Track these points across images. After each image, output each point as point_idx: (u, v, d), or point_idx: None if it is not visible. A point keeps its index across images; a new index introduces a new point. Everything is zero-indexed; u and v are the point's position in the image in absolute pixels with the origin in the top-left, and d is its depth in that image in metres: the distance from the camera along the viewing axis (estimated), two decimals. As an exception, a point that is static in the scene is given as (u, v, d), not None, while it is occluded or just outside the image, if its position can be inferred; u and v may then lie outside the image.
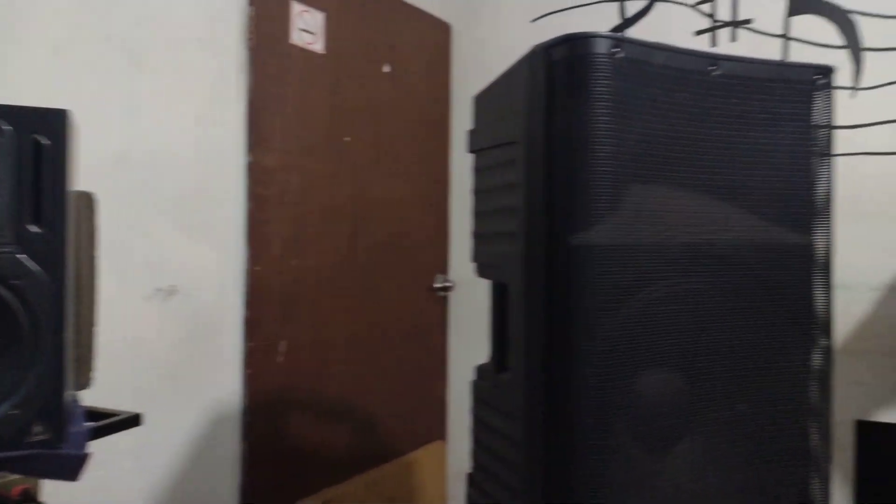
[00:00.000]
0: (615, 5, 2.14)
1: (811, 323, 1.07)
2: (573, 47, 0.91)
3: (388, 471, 2.24)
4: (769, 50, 1.95)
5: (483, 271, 1.14)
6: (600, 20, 2.16)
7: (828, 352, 1.08)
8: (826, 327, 1.08)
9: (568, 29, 2.26)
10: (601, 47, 0.90)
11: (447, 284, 2.43)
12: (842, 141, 1.87)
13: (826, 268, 1.07)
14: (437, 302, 2.44)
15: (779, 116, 1.01)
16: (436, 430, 2.44)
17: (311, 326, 1.97)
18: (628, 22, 2.11)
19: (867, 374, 1.85)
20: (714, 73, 0.98)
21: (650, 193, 0.97)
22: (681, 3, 2.05)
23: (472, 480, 1.20)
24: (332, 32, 2.03)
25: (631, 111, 0.92)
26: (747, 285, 1.03)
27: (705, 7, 2.02)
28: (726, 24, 1.99)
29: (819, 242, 1.06)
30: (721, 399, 1.07)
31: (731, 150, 1.00)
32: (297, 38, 1.94)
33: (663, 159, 0.97)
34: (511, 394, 1.03)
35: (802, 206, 1.04)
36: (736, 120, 0.99)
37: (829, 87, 1.03)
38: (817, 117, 1.02)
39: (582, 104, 0.89)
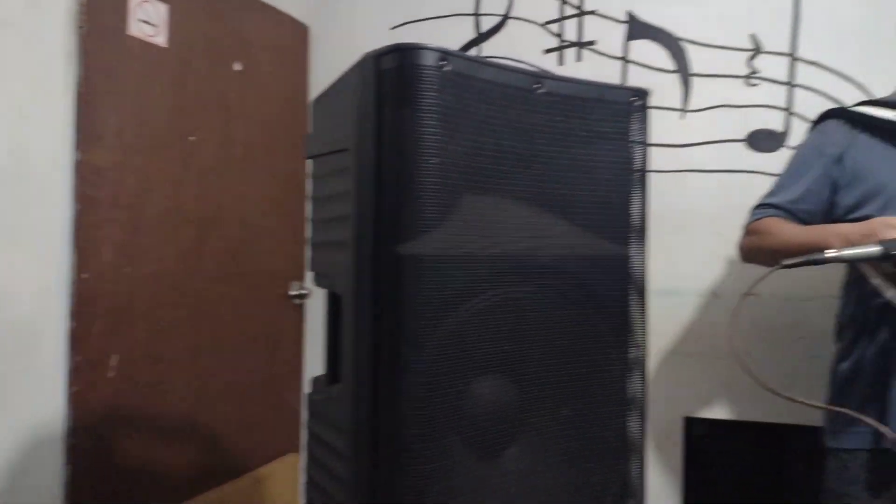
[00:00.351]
0: (471, 19, 2.19)
1: (629, 329, 1.14)
2: (402, 57, 0.91)
3: (238, 486, 2.15)
4: (611, 70, 2.07)
5: (319, 280, 1.12)
6: (457, 32, 2.20)
7: (643, 355, 1.16)
8: (642, 332, 1.15)
9: (426, 38, 2.28)
10: (429, 59, 0.91)
11: (303, 292, 2.37)
12: (673, 158, 2.03)
13: (642, 277, 1.14)
14: (293, 310, 2.37)
15: (599, 134, 1.06)
16: (289, 441, 2.37)
17: (148, 338, 1.85)
18: (483, 36, 2.17)
19: (694, 374, 2.01)
20: (539, 92, 1.01)
21: (478, 205, 0.98)
22: (531, 22, 2.13)
23: (308, 497, 1.17)
24: (177, 26, 1.92)
25: (459, 124, 0.94)
26: (572, 294, 1.08)
27: (554, 27, 2.11)
28: (573, 45, 2.10)
29: (636, 253, 1.13)
30: (548, 403, 1.11)
31: (556, 165, 1.04)
32: (137, 29, 1.81)
33: (491, 172, 0.99)
34: (340, 406, 1.01)
35: (621, 218, 1.11)
36: (559, 136, 1.04)
37: (644, 108, 1.10)
38: (633, 136, 1.09)
39: (410, 114, 0.89)
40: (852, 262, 1.23)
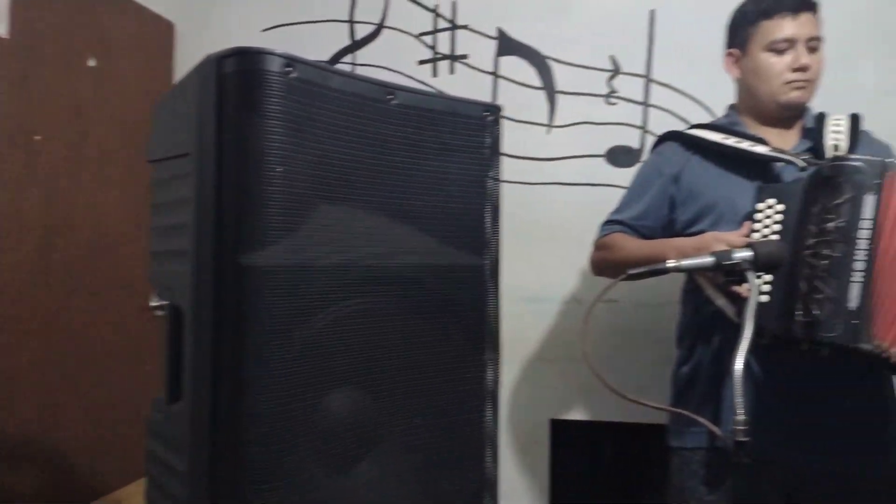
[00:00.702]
0: (346, 26, 2.18)
1: (484, 337, 1.16)
2: (244, 61, 0.88)
3: (89, 513, 1.99)
4: (482, 84, 2.12)
5: (161, 293, 1.06)
6: (331, 38, 2.18)
7: (497, 363, 1.19)
8: (495, 341, 1.18)
9: (299, 42, 2.24)
10: (273, 65, 0.89)
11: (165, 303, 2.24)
12: (541, 171, 2.11)
13: (496, 286, 1.17)
14: (154, 323, 2.23)
15: (451, 147, 1.08)
16: (150, 462, 2.23)
17: (-20, 355, 1.68)
18: (357, 44, 2.16)
19: (559, 378, 2.08)
20: (392, 103, 1.02)
21: (329, 215, 0.97)
22: (406, 33, 2.15)
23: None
24: (20, 15, 1.77)
25: (306, 132, 0.92)
26: (426, 304, 1.09)
27: (428, 39, 2.14)
28: (445, 57, 2.13)
29: (489, 263, 1.16)
30: (401, 414, 1.11)
31: (409, 177, 1.05)
32: (-30, 16, 1.65)
33: (342, 182, 0.98)
34: (180, 426, 0.96)
35: (474, 229, 1.13)
36: (412, 148, 1.05)
37: (496, 123, 1.13)
38: (486, 149, 1.12)
39: (252, 120, 0.87)
40: (689, 272, 1.32)
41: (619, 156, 2.08)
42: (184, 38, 2.34)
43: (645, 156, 2.05)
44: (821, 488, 1.37)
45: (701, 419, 1.17)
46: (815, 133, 1.42)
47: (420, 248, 1.07)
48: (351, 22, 2.17)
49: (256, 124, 0.86)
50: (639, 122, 2.07)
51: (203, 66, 0.91)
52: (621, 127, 2.08)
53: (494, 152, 1.12)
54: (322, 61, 2.17)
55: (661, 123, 2.03)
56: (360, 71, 2.15)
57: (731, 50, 1.52)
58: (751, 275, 1.15)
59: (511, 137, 2.11)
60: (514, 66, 2.12)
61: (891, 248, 1.14)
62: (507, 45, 2.11)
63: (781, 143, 1.43)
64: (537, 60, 2.10)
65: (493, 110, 1.12)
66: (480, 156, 1.11)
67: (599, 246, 1.57)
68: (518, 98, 2.12)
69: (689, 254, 1.26)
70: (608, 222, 1.57)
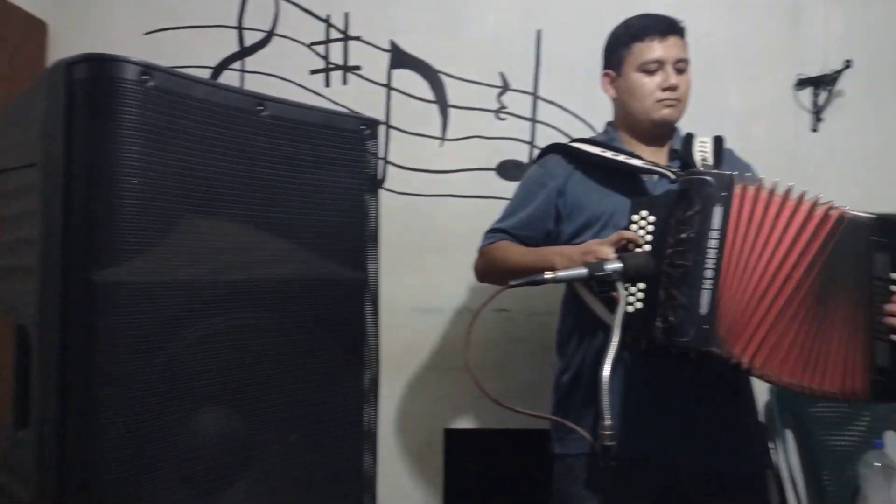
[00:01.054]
0: (234, 32, 2.12)
1: (363, 350, 1.16)
2: (95, 68, 0.84)
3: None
4: (376, 96, 2.12)
5: (6, 311, 0.99)
6: (218, 44, 2.12)
7: (376, 376, 1.18)
8: (375, 354, 1.18)
9: (184, 47, 2.16)
10: (128, 73, 0.85)
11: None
12: (432, 183, 2.13)
13: (374, 298, 1.17)
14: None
15: (328, 160, 1.08)
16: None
17: None
18: (246, 51, 2.11)
19: (453, 387, 2.10)
20: (262, 114, 1.00)
21: (194, 229, 0.94)
22: (297, 41, 2.12)
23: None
24: None
25: (166, 143, 0.89)
26: (301, 319, 1.08)
27: (320, 49, 2.12)
28: (338, 68, 2.12)
29: (370, 275, 1.16)
30: (278, 431, 1.09)
31: (283, 190, 1.04)
32: None
33: (208, 195, 0.95)
34: (26, 453, 0.90)
35: (354, 242, 1.13)
36: (286, 161, 1.03)
37: (374, 136, 1.14)
38: (364, 163, 1.12)
39: (104, 130, 0.83)
40: (567, 282, 1.37)
41: (509, 169, 2.13)
42: (58, 39, 2.20)
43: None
44: (692, 486, 1.44)
45: (572, 425, 1.21)
46: (683, 153, 1.51)
47: (295, 262, 1.05)
48: (240, 28, 2.12)
49: (108, 134, 0.82)
50: (527, 138, 2.13)
51: (52, 72, 0.87)
52: (511, 141, 2.14)
53: (373, 166, 1.12)
54: (208, 67, 2.11)
55: (548, 139, 2.09)
56: (249, 79, 2.10)
57: (608, 71, 1.60)
58: (620, 285, 1.21)
59: (405, 150, 2.13)
60: (407, 79, 2.13)
61: (733, 258, 1.22)
62: (399, 58, 2.12)
63: (653, 159, 1.50)
64: (430, 74, 2.13)
65: (371, 124, 1.12)
66: (359, 169, 1.11)
67: (483, 253, 1.60)
68: (412, 111, 2.13)
69: (576, 258, 1.32)
70: (492, 230, 1.60)
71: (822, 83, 2.07)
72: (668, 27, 1.49)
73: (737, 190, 1.22)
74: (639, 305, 1.28)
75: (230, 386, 1.01)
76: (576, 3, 2.12)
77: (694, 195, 1.24)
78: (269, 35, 2.12)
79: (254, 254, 1.00)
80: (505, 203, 2.08)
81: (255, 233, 1.01)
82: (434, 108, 2.14)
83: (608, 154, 1.49)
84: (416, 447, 2.11)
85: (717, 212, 1.22)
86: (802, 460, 2.07)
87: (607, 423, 1.07)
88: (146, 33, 2.13)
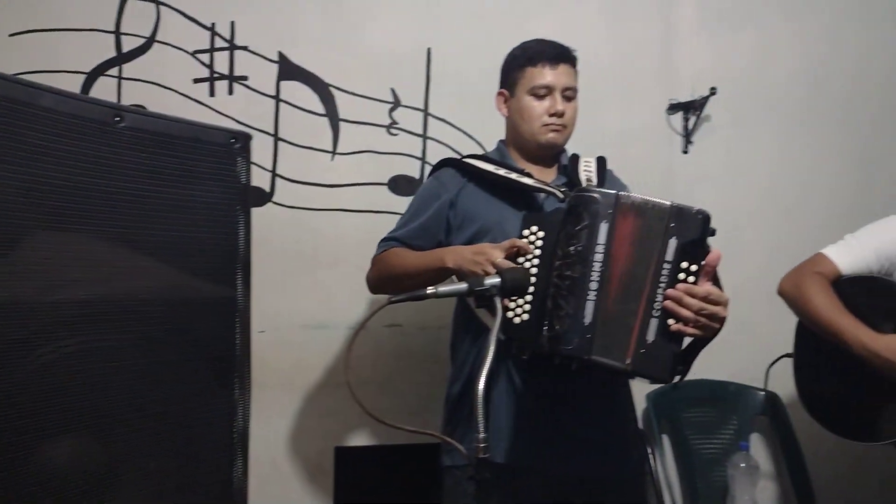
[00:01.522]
0: (111, 37, 2.02)
1: (232, 370, 1.12)
2: (-80, 73, 0.77)
3: None
4: (263, 107, 2.08)
5: None
6: (93, 49, 2.00)
7: (246, 397, 1.15)
8: (245, 373, 1.14)
9: (55, 50, 2.02)
10: (-40, 79, 0.79)
11: None
12: (325, 197, 2.11)
13: (246, 316, 1.14)
14: None
15: (195, 174, 1.04)
16: None
17: None
18: (124, 57, 2.01)
19: (345, 404, 2.07)
20: (120, 126, 0.95)
21: (41, 246, 0.88)
22: (180, 49, 2.04)
23: None
24: None
25: (9, 155, 0.83)
26: (165, 340, 1.03)
27: (204, 57, 2.05)
28: (223, 77, 2.06)
29: (241, 293, 1.12)
30: (143, 456, 1.03)
31: (146, 205, 0.99)
32: None
33: (59, 210, 0.90)
34: None
35: (223, 259, 1.09)
36: (148, 174, 0.99)
37: (245, 150, 1.11)
38: (233, 177, 1.09)
39: (-69, 140, 0.76)
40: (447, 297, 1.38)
41: (401, 184, 2.14)
42: None
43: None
44: (575, 493, 1.49)
45: (444, 437, 1.22)
46: (569, 171, 1.58)
47: (158, 281, 1.01)
48: (117, 33, 2.02)
49: (-64, 144, 0.76)
50: (418, 153, 2.16)
51: None
52: (402, 157, 2.15)
53: (243, 180, 1.09)
54: (81, 73, 1.99)
55: (439, 155, 2.12)
56: (127, 86, 2.01)
57: (502, 90, 1.65)
58: (498, 300, 1.23)
59: (295, 163, 2.10)
60: (296, 91, 2.10)
61: (616, 270, 1.29)
62: (288, 70, 2.09)
63: (542, 177, 1.56)
64: (320, 87, 2.11)
65: (242, 138, 1.10)
66: (228, 184, 1.07)
67: (376, 262, 1.62)
68: (301, 123, 2.10)
69: (467, 257, 1.37)
70: (385, 239, 1.63)
71: (691, 108, 2.22)
72: (560, 55, 1.56)
73: (622, 207, 1.30)
74: (525, 317, 1.32)
75: (87, 412, 0.95)
76: (466, 23, 2.17)
77: (582, 212, 1.31)
78: (150, 41, 2.03)
79: (112, 271, 0.95)
80: (397, 217, 2.11)
81: (114, 249, 0.96)
82: (324, 122, 2.12)
83: (500, 171, 1.53)
84: (306, 467, 2.07)
85: (604, 228, 1.29)
86: (678, 464, 2.20)
87: (481, 435, 1.08)
88: (11, 35, 1.99)
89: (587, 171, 1.58)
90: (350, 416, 2.08)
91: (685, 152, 2.27)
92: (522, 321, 1.32)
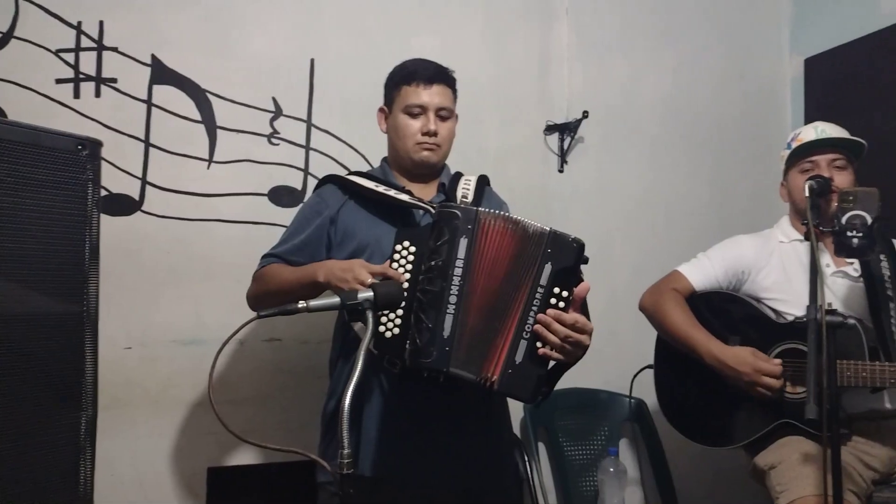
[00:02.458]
0: (-38, 31, 1.86)
1: (80, 391, 1.06)
2: None
3: None
4: (134, 111, 1.98)
5: None
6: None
7: (94, 416, 1.08)
8: (92, 393, 1.08)
9: None
10: None
11: None
12: (198, 207, 2.02)
13: (94, 332, 1.08)
14: None
15: (34, 182, 0.98)
16: None
17: None
18: (-23, 53, 1.86)
19: (217, 422, 1.99)
20: (-54, 126, 0.88)
21: None
22: (41, 47, 1.91)
23: None
24: None
25: None
26: (3, 357, 0.95)
27: (69, 56, 1.93)
28: (90, 79, 1.94)
29: (86, 308, 1.06)
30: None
31: (-24, 212, 0.92)
32: None
33: None
34: None
35: (66, 272, 1.03)
36: (-21, 180, 0.92)
37: (94, 157, 1.05)
38: (81, 185, 1.03)
39: None
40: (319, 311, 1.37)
41: (282, 195, 2.11)
42: None
43: (308, 196, 2.11)
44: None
45: (312, 455, 1.20)
46: (448, 189, 1.62)
47: (-8, 296, 0.93)
48: (-30, 29, 1.86)
49: None
50: (301, 164, 2.13)
51: None
52: (284, 167, 2.11)
53: (92, 189, 1.04)
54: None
55: (322, 166, 2.12)
56: (-22, 84, 1.85)
57: (382, 107, 1.67)
58: (370, 314, 1.23)
59: (168, 171, 2.01)
60: (170, 96, 2.02)
61: (478, 284, 1.32)
62: (162, 74, 2.01)
63: (422, 194, 1.59)
64: (196, 93, 2.04)
65: (91, 145, 1.04)
66: (74, 192, 1.01)
67: (255, 278, 1.60)
68: (175, 130, 2.02)
69: (336, 273, 1.36)
70: (265, 256, 1.61)
71: (566, 129, 2.33)
72: (435, 75, 1.59)
73: (482, 223, 1.33)
74: (396, 331, 1.33)
75: None
76: (350, 35, 2.17)
77: (444, 227, 1.34)
78: (7, 36, 1.89)
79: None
80: (276, 229, 2.07)
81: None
82: (200, 129, 2.05)
83: (380, 188, 1.54)
84: (177, 489, 1.96)
85: (463, 243, 1.33)
86: (553, 470, 2.28)
87: (345, 451, 1.08)
88: None
89: (465, 188, 1.62)
90: (224, 436, 1.98)
91: (560, 171, 2.38)
92: (393, 335, 1.33)
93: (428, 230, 1.37)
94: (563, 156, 2.37)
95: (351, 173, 1.66)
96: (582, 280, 1.33)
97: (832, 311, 1.26)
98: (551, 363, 1.34)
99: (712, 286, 1.83)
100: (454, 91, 1.64)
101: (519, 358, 1.28)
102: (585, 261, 1.32)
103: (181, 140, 2.02)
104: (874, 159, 1.81)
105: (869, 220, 1.40)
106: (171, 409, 1.98)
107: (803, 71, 2.59)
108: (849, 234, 1.41)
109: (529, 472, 2.13)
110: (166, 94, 2.01)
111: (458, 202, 1.55)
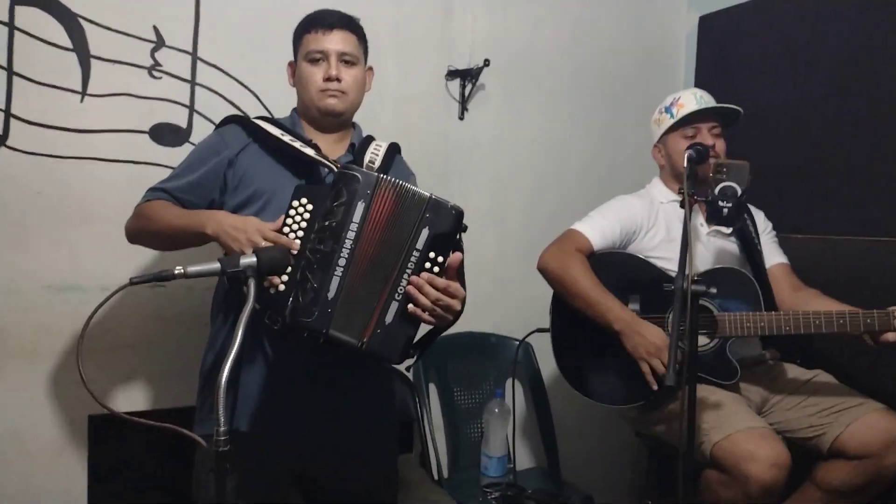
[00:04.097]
0: None
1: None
2: None
3: None
4: (-8, 36, 1.77)
5: None
6: None
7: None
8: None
9: None
10: None
11: None
12: (70, 144, 1.87)
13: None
14: None
15: None
16: None
17: None
18: None
19: (99, 370, 1.92)
20: None
21: None
22: None
23: None
24: None
25: None
26: None
27: None
28: (-70, -4, 1.71)
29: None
30: None
31: None
32: None
33: None
34: None
35: None
36: None
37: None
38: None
39: None
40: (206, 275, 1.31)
41: (165, 134, 1.98)
42: None
43: (193, 136, 1.99)
44: (329, 462, 1.54)
45: (188, 433, 1.18)
46: (357, 150, 1.57)
47: None
48: None
49: None
50: (185, 101, 2.00)
51: None
52: (167, 103, 1.98)
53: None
54: None
55: (209, 105, 2.00)
56: None
57: (291, 61, 1.60)
58: (252, 281, 1.19)
59: (35, 103, 1.84)
60: (36, 19, 1.82)
61: (366, 250, 1.32)
62: (25, -6, 1.80)
63: (331, 151, 1.54)
64: (66, 17, 1.84)
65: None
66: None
67: (137, 213, 1.52)
68: (43, 58, 1.83)
69: (228, 231, 1.32)
70: (152, 189, 1.52)
71: (468, 76, 2.31)
72: (336, 21, 1.54)
73: (380, 190, 1.32)
74: (281, 287, 1.31)
75: None
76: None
77: (343, 188, 1.32)
78: None
79: None
80: (158, 170, 1.96)
81: None
82: (72, 57, 1.87)
83: (286, 138, 1.49)
84: (56, 439, 1.90)
85: (360, 207, 1.31)
86: (443, 411, 2.37)
87: (222, 429, 1.07)
88: None
89: (374, 153, 1.58)
90: (106, 384, 1.95)
91: (461, 119, 2.37)
92: (277, 291, 1.31)
93: (327, 189, 1.35)
94: (463, 103, 2.35)
95: (258, 118, 1.58)
96: (460, 248, 1.35)
97: (697, 281, 1.36)
98: (422, 327, 1.36)
99: (609, 245, 1.88)
100: (361, 39, 1.58)
101: (389, 318, 1.31)
102: (464, 228, 1.34)
103: (50, 70, 1.84)
104: (752, 123, 1.92)
105: (739, 191, 1.50)
106: (48, 359, 1.89)
107: (697, 28, 2.66)
108: (720, 203, 1.51)
109: (420, 415, 2.21)
110: (32, 17, 1.81)
111: (365, 166, 1.52)
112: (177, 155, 1.95)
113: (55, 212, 1.88)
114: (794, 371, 1.85)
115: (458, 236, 1.35)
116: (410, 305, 1.30)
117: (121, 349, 1.96)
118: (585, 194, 2.51)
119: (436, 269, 1.31)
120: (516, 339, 2.28)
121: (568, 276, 1.82)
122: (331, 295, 1.30)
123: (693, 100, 1.84)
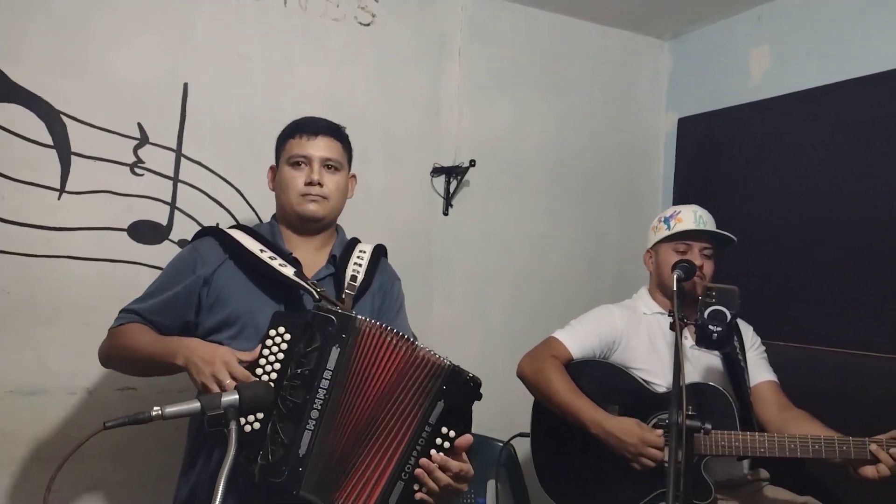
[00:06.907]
0: None
1: None
2: None
3: None
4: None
5: None
6: None
7: None
8: None
9: None
10: None
11: None
12: (46, 242, 1.81)
13: None
14: None
15: None
16: None
17: None
18: None
19: (59, 478, 1.78)
20: None
21: None
22: None
23: None
24: None
25: None
26: None
27: None
28: (-85, 91, 1.67)
29: None
30: None
31: None
32: None
33: None
34: None
35: None
36: None
37: None
38: None
39: None
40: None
41: (145, 231, 1.93)
42: None
43: (174, 233, 1.95)
44: None
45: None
46: (339, 261, 1.50)
47: None
48: None
49: None
50: (167, 198, 1.96)
51: None
52: (147, 200, 1.94)
53: None
54: None
55: (191, 201, 1.96)
56: None
57: (272, 165, 1.56)
58: (233, 424, 1.07)
59: (11, 200, 1.78)
60: (16, 115, 1.79)
61: (345, 400, 1.22)
62: (7, 90, 1.77)
63: (312, 262, 1.48)
64: (48, 115, 1.82)
65: None
66: None
67: (110, 335, 1.43)
68: (22, 154, 1.80)
69: (196, 363, 1.22)
70: (125, 310, 1.44)
71: (453, 173, 2.31)
72: (322, 128, 1.51)
73: (361, 333, 1.24)
74: (256, 426, 1.21)
75: None
76: (227, 63, 2.03)
77: (316, 331, 1.23)
78: None
79: None
80: (136, 269, 1.90)
81: None
82: (52, 154, 1.83)
83: (265, 256, 1.41)
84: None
85: (335, 353, 1.22)
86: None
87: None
88: None
89: (357, 263, 1.51)
90: (68, 495, 1.83)
91: (446, 214, 2.36)
92: (253, 429, 1.21)
93: (305, 319, 1.26)
94: (448, 199, 2.35)
95: (236, 226, 1.51)
96: (471, 420, 1.25)
97: (692, 416, 1.33)
98: None
99: (588, 355, 1.86)
100: (346, 147, 1.55)
101: (393, 500, 1.20)
102: (479, 397, 1.24)
103: (29, 166, 1.80)
104: (730, 228, 1.92)
105: (728, 315, 1.49)
106: (6, 467, 1.78)
107: (676, 128, 2.72)
108: (710, 327, 1.50)
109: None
110: (12, 113, 1.78)
111: (346, 283, 1.47)
112: (155, 253, 1.91)
113: (22, 312, 1.81)
114: (783, 495, 1.81)
115: (470, 410, 1.24)
116: (416, 486, 1.20)
117: (91, 458, 1.85)
118: (567, 288, 2.51)
119: (446, 444, 1.21)
120: (500, 441, 2.21)
121: (542, 378, 1.79)
122: (302, 451, 1.19)
123: (692, 218, 1.85)
